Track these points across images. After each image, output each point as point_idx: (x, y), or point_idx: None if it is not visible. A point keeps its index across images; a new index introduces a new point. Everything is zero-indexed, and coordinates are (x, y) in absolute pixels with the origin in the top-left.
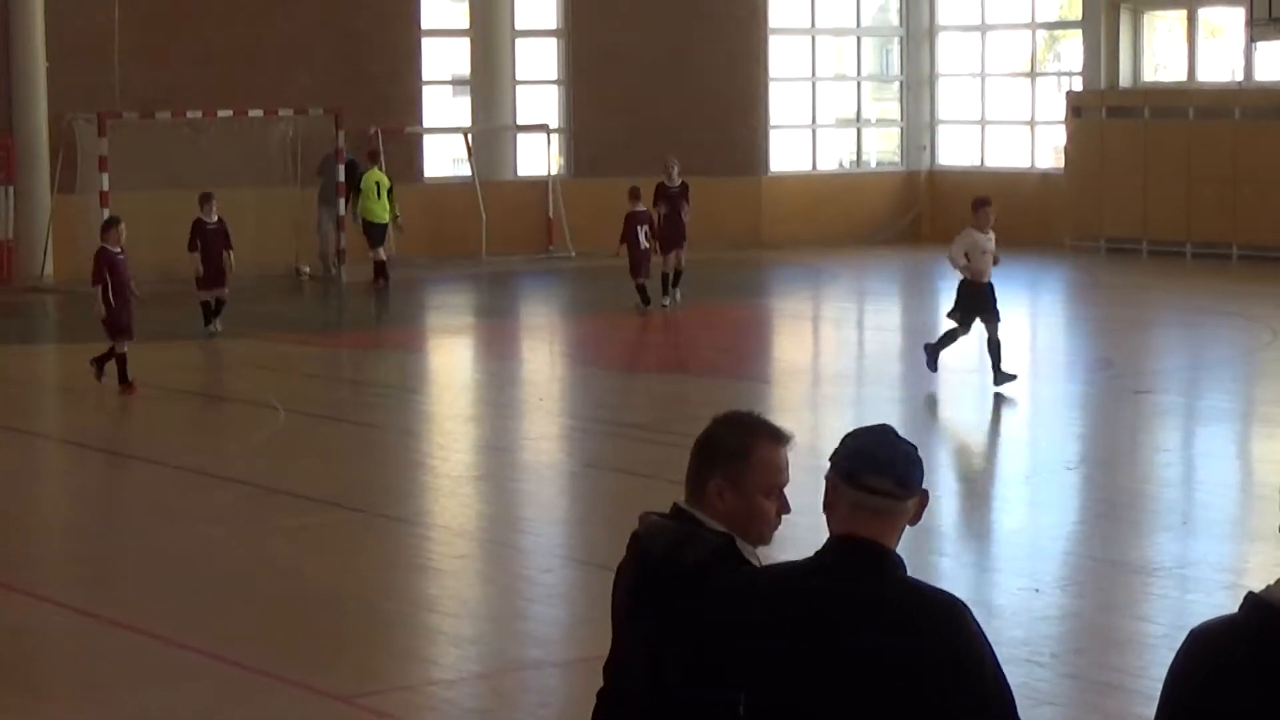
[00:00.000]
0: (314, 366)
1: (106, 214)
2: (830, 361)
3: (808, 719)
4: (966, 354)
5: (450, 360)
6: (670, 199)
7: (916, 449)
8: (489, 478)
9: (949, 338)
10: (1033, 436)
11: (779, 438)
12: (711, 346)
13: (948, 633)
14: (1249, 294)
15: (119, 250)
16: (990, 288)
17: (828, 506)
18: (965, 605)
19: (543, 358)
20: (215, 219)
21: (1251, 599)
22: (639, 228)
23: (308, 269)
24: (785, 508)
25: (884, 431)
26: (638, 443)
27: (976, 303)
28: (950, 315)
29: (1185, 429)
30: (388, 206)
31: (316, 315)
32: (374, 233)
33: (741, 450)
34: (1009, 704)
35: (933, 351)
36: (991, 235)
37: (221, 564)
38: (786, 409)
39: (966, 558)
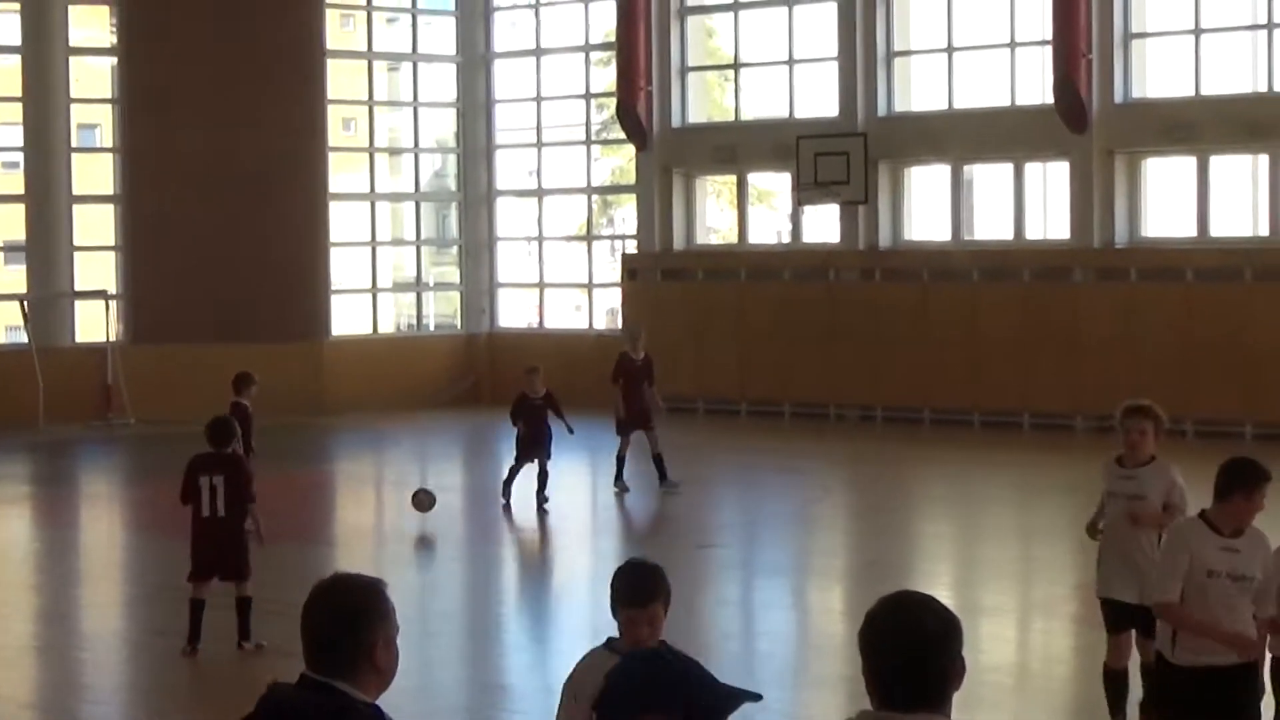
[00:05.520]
0: None
1: None
2: (393, 523)
3: None
4: (526, 515)
5: (5, 531)
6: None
7: None
8: (51, 648)
9: None
10: (596, 594)
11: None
12: (278, 512)
13: None
14: (802, 450)
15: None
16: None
17: None
18: None
19: (102, 526)
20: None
21: None
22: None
23: None
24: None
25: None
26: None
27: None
28: None
29: (745, 582)
30: None
31: None
32: None
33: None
34: None
35: None
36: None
37: None
38: (354, 570)
39: (533, 714)
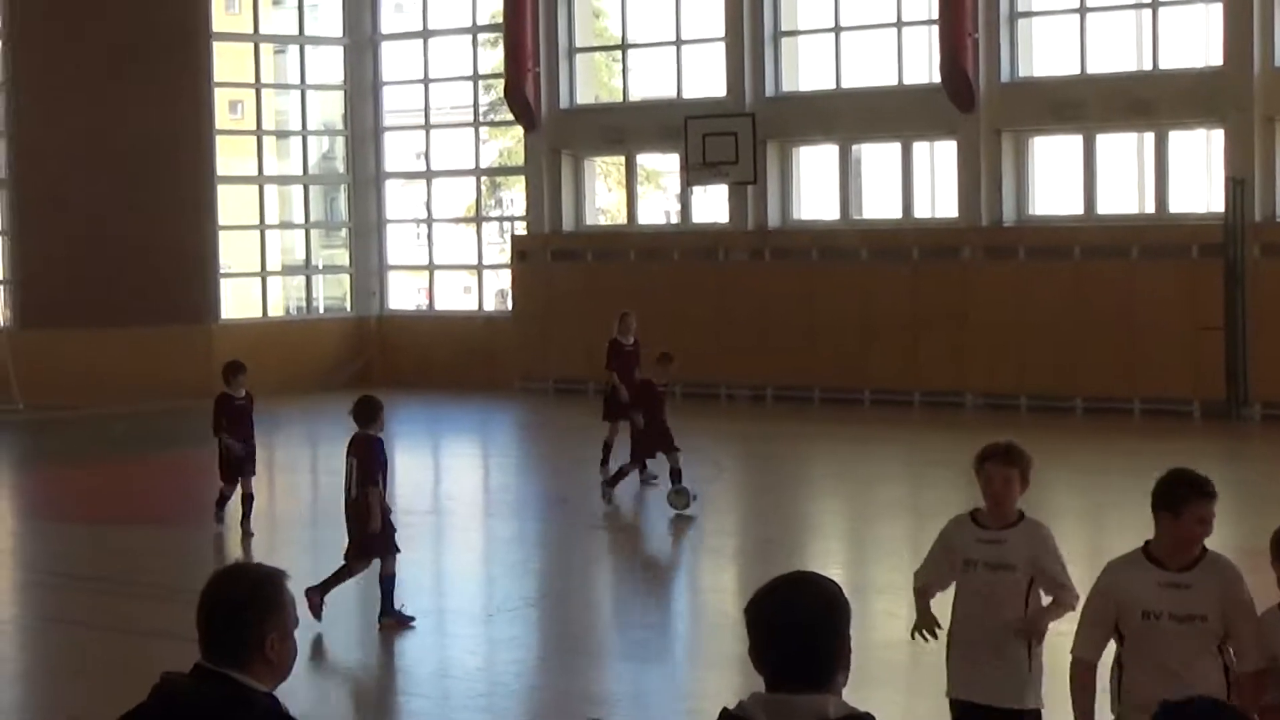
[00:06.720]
0: None
1: None
2: (287, 506)
3: None
4: (420, 496)
5: None
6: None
7: None
8: None
9: None
10: (489, 574)
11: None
12: (168, 496)
13: None
14: (693, 430)
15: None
16: None
17: None
18: None
19: None
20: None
21: (725, 714)
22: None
23: None
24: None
25: None
26: (99, 595)
27: None
28: None
29: (639, 560)
30: None
31: None
32: None
33: (286, 600)
34: None
35: None
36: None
37: None
38: (257, 554)
39: (431, 696)
